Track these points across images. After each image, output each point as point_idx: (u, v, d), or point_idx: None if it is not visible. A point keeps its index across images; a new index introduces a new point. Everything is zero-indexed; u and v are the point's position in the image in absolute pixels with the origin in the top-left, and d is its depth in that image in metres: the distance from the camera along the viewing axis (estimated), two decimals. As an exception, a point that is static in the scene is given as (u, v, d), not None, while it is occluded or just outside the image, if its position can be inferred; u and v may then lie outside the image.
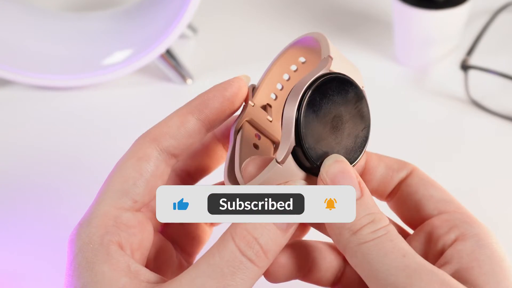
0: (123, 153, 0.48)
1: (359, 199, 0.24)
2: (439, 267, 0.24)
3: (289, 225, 0.24)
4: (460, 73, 0.53)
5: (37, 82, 0.54)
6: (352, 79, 0.26)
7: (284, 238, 0.24)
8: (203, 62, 0.58)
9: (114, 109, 0.53)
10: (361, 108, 0.26)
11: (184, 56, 0.58)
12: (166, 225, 0.29)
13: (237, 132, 0.29)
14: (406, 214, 0.28)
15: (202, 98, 0.28)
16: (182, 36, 0.60)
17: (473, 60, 0.53)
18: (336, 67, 0.25)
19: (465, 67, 0.51)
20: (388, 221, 0.24)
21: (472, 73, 0.51)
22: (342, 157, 0.25)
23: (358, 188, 0.24)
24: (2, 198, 0.44)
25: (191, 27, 0.61)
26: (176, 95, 0.54)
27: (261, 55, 0.58)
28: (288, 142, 0.24)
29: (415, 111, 0.51)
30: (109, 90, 0.55)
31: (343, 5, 0.65)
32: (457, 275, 0.23)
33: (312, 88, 0.24)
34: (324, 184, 0.24)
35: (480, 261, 0.24)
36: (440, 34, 0.53)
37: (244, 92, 0.28)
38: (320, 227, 0.27)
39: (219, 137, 0.31)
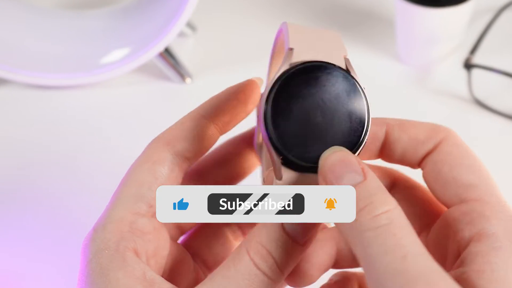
0: (121, 153, 0.48)
1: (361, 182, 0.22)
2: (455, 268, 0.22)
3: (307, 240, 0.23)
4: (463, 72, 0.53)
5: (34, 81, 0.54)
6: (319, 61, 0.24)
7: (299, 252, 0.23)
8: (202, 61, 0.58)
9: (112, 108, 0.53)
10: (343, 85, 0.24)
11: (183, 54, 0.58)
12: (188, 237, 0.29)
13: (260, 146, 0.29)
14: (435, 194, 0.26)
15: (214, 100, 0.27)
16: (181, 34, 0.60)
17: (477, 59, 0.53)
18: (300, 56, 0.24)
19: (468, 66, 0.51)
20: (393, 205, 0.21)
21: (475, 72, 0.51)
22: (340, 147, 0.23)
23: (360, 173, 0.22)
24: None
25: (190, 25, 0.61)
26: (175, 95, 0.54)
27: (261, 53, 0.58)
28: (274, 160, 0.24)
29: (417, 110, 0.51)
30: (106, 89, 0.55)
31: (345, 3, 0.65)
32: (468, 282, 0.22)
33: (272, 97, 0.23)
34: (324, 177, 0.22)
35: (493, 265, 0.22)
36: (443, 33, 0.53)
37: (257, 94, 0.27)
38: None
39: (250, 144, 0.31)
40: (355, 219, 0.21)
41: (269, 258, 0.22)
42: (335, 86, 0.24)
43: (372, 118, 0.25)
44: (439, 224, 0.25)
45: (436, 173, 0.25)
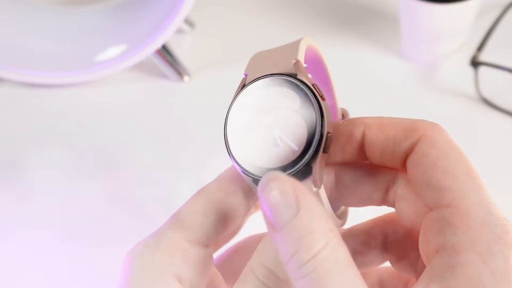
0: (118, 151, 0.48)
1: (292, 219, 0.20)
2: None
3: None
4: (470, 70, 0.53)
5: (28, 79, 0.54)
6: (259, 77, 0.24)
7: None
8: (200, 59, 0.58)
9: (108, 107, 0.53)
10: (287, 91, 0.24)
11: (180, 52, 0.58)
12: (220, 260, 0.30)
13: None
14: (421, 198, 0.24)
15: None
16: (179, 31, 0.60)
17: (484, 56, 0.53)
18: (251, 78, 0.25)
19: (475, 63, 0.51)
20: (320, 245, 0.20)
21: (482, 69, 0.51)
22: (278, 173, 0.21)
23: (294, 205, 0.20)
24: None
25: (188, 22, 0.61)
26: (172, 93, 0.55)
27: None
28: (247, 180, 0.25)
29: (423, 109, 0.51)
30: (102, 87, 0.55)
31: (348, -1, 0.66)
32: None
33: (226, 128, 0.25)
34: (264, 215, 0.21)
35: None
36: (449, 29, 0.53)
37: None
38: None
39: None
40: (286, 263, 0.21)
41: (272, 275, 0.23)
42: (282, 93, 0.24)
43: (350, 118, 0.25)
44: (422, 235, 0.24)
45: (414, 177, 0.24)
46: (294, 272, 0.20)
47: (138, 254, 0.23)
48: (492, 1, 0.60)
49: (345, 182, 0.26)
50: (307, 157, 0.23)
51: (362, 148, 0.25)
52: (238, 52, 0.58)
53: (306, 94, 0.24)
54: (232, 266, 0.29)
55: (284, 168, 0.24)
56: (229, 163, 0.28)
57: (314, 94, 0.24)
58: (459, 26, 0.53)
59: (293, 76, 0.24)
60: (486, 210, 0.22)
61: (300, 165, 0.23)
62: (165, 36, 0.52)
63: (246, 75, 0.25)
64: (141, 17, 0.54)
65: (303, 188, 0.21)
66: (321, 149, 0.23)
